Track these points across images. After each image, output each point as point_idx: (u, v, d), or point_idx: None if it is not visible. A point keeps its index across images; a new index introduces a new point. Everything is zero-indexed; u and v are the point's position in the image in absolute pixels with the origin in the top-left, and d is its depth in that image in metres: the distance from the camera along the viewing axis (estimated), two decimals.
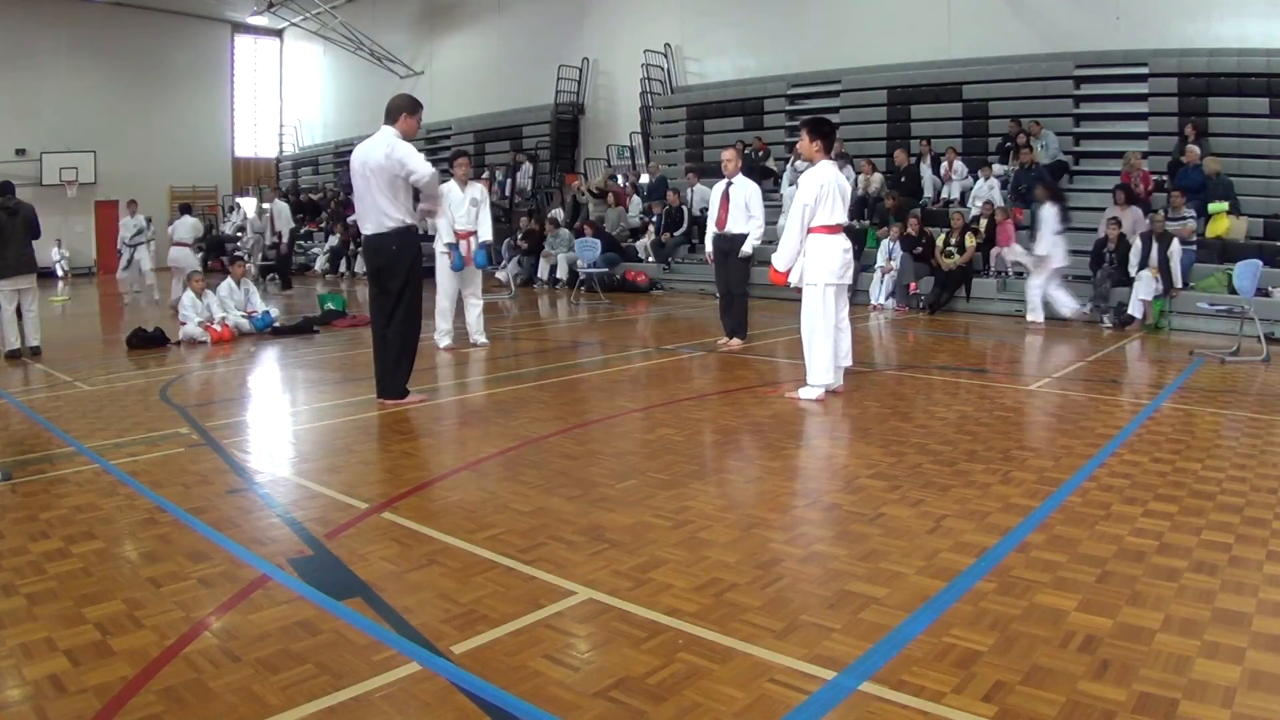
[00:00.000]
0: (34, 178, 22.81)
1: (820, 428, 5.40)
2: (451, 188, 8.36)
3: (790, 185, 13.63)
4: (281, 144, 29.50)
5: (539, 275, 16.12)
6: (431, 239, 8.60)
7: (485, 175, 18.25)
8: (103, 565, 3.21)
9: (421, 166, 5.65)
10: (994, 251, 11.74)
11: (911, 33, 14.86)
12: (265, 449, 5.08)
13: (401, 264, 5.73)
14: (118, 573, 3.15)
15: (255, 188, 27.16)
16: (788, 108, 16.35)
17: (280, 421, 5.93)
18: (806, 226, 5.89)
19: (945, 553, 3.25)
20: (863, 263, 11.62)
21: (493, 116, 21.60)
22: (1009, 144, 13.11)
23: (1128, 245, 10.27)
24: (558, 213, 17.04)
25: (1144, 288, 9.84)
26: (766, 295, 11.26)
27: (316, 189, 24.98)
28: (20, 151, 23.32)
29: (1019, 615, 2.72)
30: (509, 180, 19.19)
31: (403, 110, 5.76)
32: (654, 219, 15.70)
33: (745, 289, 8.70)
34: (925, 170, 13.82)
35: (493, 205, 9.21)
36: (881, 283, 12.01)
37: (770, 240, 9.09)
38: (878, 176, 13.95)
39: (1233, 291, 8.75)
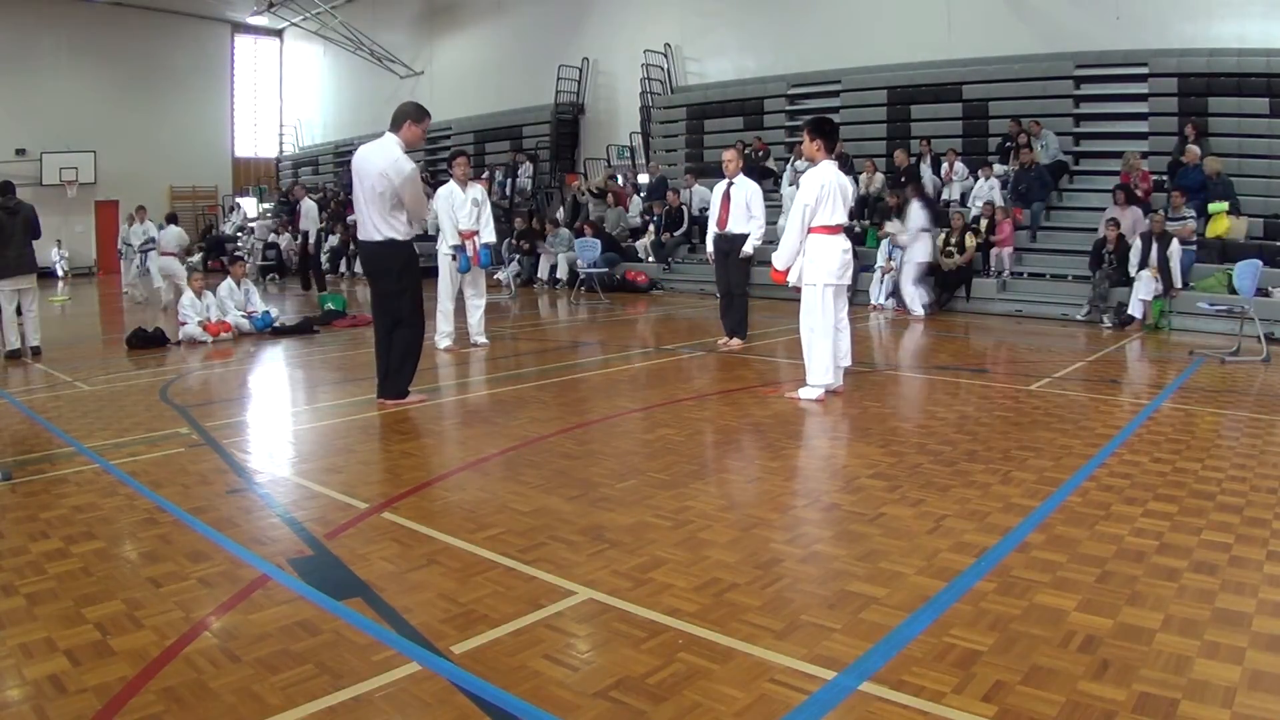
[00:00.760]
0: (34, 178, 22.81)
1: (820, 428, 5.40)
2: (453, 189, 8.35)
3: (790, 185, 13.63)
4: (281, 144, 29.51)
5: (539, 275, 16.12)
6: (433, 238, 8.59)
7: (485, 175, 18.26)
8: (103, 565, 3.21)
9: (414, 200, 5.61)
10: (994, 252, 11.75)
11: (911, 33, 14.85)
12: (265, 449, 5.08)
13: (396, 272, 5.71)
14: (118, 573, 3.15)
15: (255, 187, 27.19)
16: (788, 108, 16.35)
17: (280, 421, 5.93)
18: (807, 226, 5.89)
19: (945, 553, 3.25)
20: (863, 263, 11.64)
21: (493, 116, 21.60)
22: (1009, 144, 13.10)
23: (1127, 245, 10.28)
24: (559, 215, 17.03)
25: (1144, 288, 9.85)
26: (767, 295, 11.26)
27: (317, 189, 24.98)
28: (20, 151, 23.32)
29: (1019, 615, 2.72)
30: (509, 180, 19.18)
31: (408, 118, 5.68)
32: (654, 219, 15.71)
33: (745, 289, 8.70)
34: (925, 170, 13.82)
35: (492, 205, 9.18)
36: (881, 283, 12.01)
37: (771, 240, 9.08)
38: (879, 176, 13.95)
39: (1233, 291, 8.75)
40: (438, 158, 21.37)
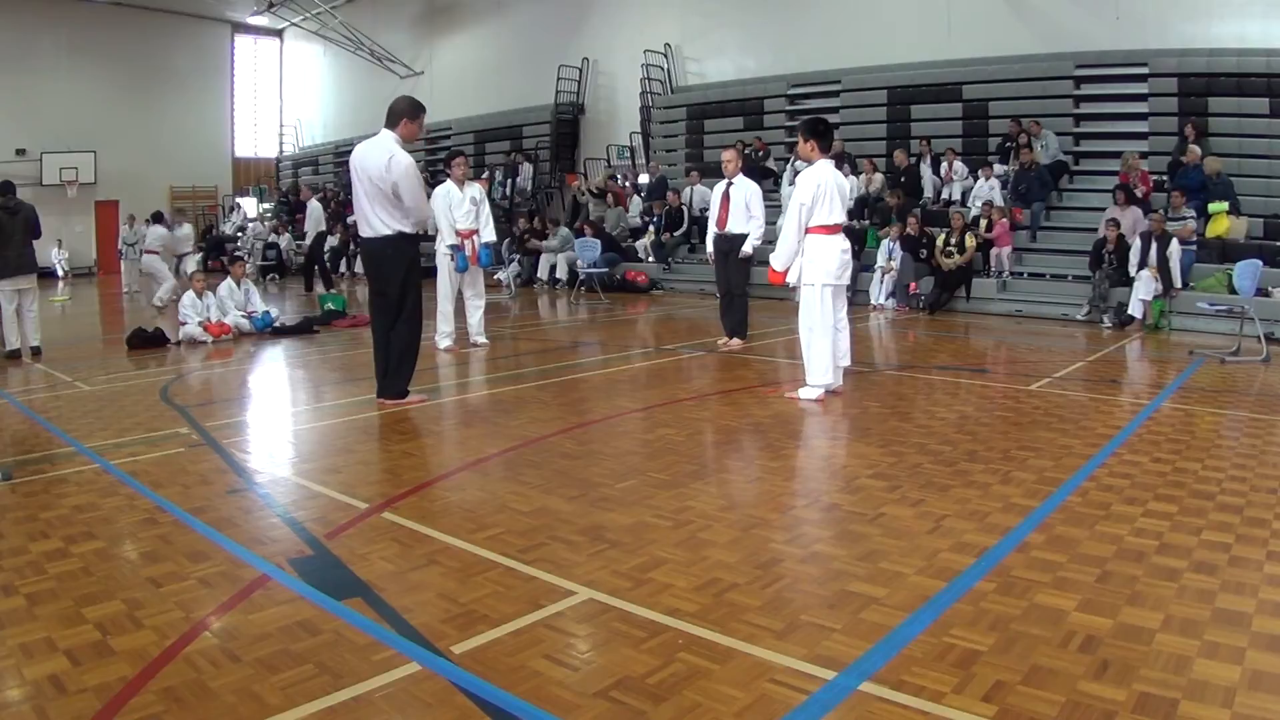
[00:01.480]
0: (34, 178, 22.79)
1: (820, 428, 5.40)
2: (449, 189, 8.34)
3: (790, 185, 13.62)
4: (281, 144, 29.49)
5: (539, 275, 16.12)
6: (432, 239, 8.59)
7: (484, 175, 18.25)
8: (103, 565, 3.21)
9: (414, 197, 5.55)
10: (994, 251, 11.75)
11: (911, 33, 14.85)
12: (265, 449, 5.08)
13: (397, 269, 5.69)
14: (118, 573, 3.15)
15: (255, 187, 27.18)
16: (788, 108, 16.34)
17: (280, 421, 5.93)
18: (804, 226, 5.89)
19: (945, 553, 3.25)
20: (863, 263, 11.64)
21: (493, 116, 21.59)
22: (1009, 144, 13.11)
23: (1127, 245, 10.28)
24: (559, 217, 17.04)
25: (1144, 288, 9.85)
26: (767, 295, 11.26)
27: (317, 189, 24.97)
28: (20, 151, 23.30)
29: (1019, 615, 2.72)
30: (509, 180, 19.17)
31: (403, 115, 5.67)
32: (654, 219, 15.71)
33: (745, 289, 8.69)
34: (925, 170, 13.82)
35: (492, 206, 9.18)
36: (881, 283, 12.01)
37: (770, 240, 9.08)
38: (879, 176, 13.96)
39: (1233, 291, 8.76)
40: (437, 158, 21.36)
